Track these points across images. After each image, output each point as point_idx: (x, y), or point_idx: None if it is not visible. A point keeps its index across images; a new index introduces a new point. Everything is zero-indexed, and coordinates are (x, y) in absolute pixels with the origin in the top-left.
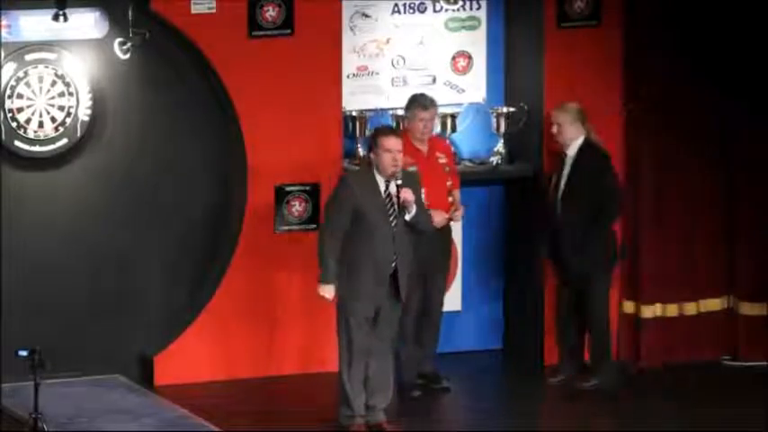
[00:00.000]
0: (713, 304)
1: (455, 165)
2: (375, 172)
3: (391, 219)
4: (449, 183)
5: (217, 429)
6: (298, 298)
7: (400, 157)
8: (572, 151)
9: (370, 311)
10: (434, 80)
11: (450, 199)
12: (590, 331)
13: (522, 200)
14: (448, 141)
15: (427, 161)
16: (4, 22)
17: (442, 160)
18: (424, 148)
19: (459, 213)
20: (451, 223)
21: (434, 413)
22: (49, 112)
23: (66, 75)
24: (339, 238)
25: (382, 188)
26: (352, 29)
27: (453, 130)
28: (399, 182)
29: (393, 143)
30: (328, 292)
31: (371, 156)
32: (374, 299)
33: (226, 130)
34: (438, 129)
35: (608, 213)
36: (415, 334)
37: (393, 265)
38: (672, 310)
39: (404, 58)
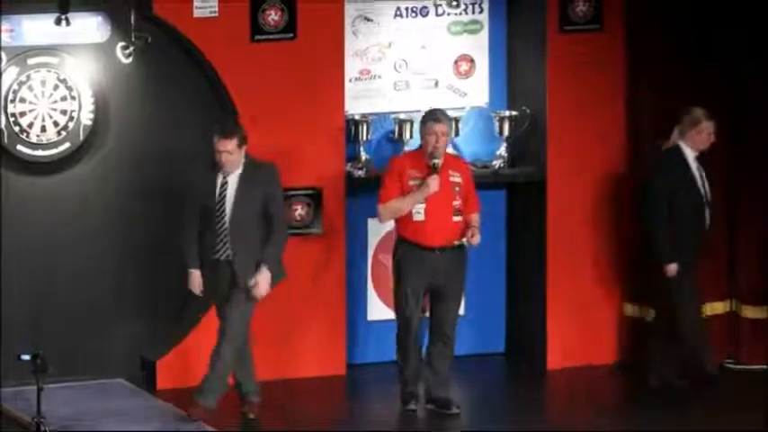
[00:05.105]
0: (715, 307)
1: (472, 188)
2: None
3: None
4: (456, 203)
5: None
6: (300, 302)
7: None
8: (692, 156)
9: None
10: (437, 84)
11: (457, 219)
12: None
13: (525, 204)
14: (467, 164)
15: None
16: (6, 27)
17: (455, 179)
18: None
19: (475, 240)
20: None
21: (435, 419)
22: (51, 117)
23: (68, 79)
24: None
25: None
26: (354, 33)
27: (456, 133)
28: None
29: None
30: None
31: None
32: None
33: None
34: None
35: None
36: (426, 356)
37: None
38: None
39: (406, 62)
